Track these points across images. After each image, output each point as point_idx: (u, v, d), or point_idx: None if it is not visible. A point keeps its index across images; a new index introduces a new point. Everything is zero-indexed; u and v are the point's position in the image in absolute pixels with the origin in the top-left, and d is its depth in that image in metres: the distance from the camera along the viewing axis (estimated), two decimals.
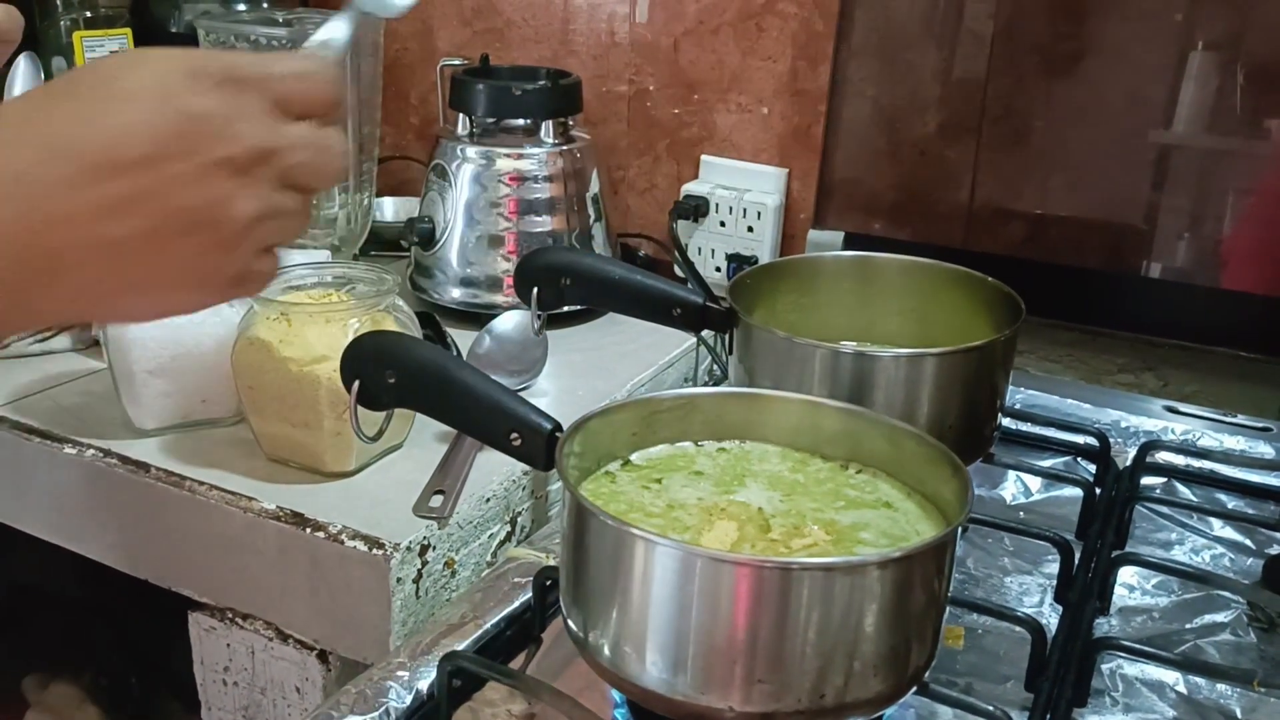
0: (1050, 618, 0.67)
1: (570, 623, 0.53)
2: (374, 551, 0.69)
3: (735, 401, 0.61)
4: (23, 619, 1.30)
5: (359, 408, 0.60)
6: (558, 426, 0.56)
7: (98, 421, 0.83)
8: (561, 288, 0.77)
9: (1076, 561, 0.67)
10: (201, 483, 0.76)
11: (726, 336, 0.74)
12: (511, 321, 0.95)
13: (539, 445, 0.56)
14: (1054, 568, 0.70)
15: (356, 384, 0.59)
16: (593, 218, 1.06)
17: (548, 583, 0.61)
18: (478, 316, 1.01)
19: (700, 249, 1.14)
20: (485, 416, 0.57)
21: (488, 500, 0.77)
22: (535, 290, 0.77)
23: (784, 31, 1.07)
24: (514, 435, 0.56)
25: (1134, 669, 0.62)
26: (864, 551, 0.52)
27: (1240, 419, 0.89)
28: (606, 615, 0.50)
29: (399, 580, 0.70)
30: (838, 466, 0.59)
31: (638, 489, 0.57)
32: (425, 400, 0.58)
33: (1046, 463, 0.84)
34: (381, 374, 0.59)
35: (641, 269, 0.77)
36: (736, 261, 1.11)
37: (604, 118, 1.19)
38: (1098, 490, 0.76)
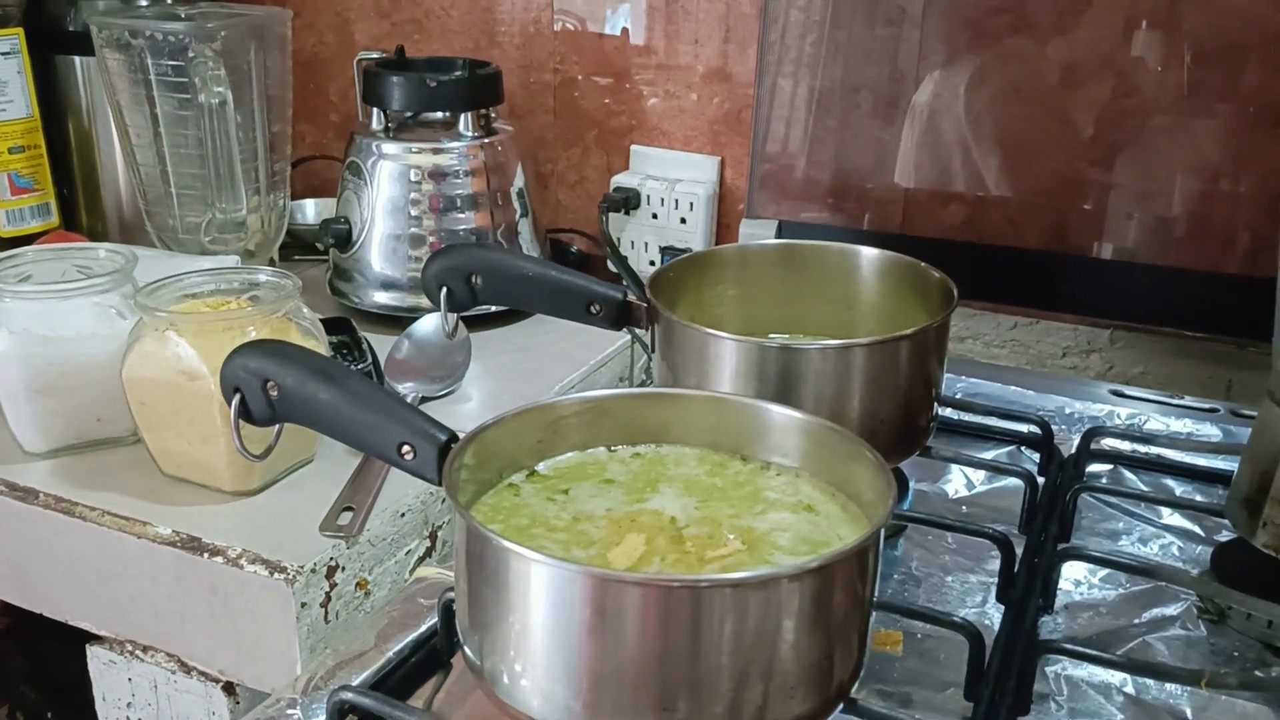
0: (993, 618, 0.63)
1: (467, 649, 0.49)
2: (275, 576, 0.65)
3: (648, 403, 0.57)
4: None
5: (242, 423, 0.56)
6: (453, 437, 0.52)
7: None
8: (473, 286, 0.72)
9: (1019, 558, 0.64)
10: (93, 508, 0.71)
11: (648, 332, 0.70)
12: (431, 324, 0.90)
13: (434, 458, 0.51)
14: (997, 565, 0.66)
15: (237, 398, 0.55)
16: (518, 213, 1.02)
17: (454, 605, 0.57)
18: (401, 320, 0.97)
19: (633, 242, 1.10)
20: (375, 428, 0.52)
21: (403, 515, 0.73)
22: (444, 290, 0.72)
23: (710, 14, 1.04)
24: (406, 448, 0.52)
25: (1080, 671, 0.59)
26: (780, 559, 0.48)
27: (1187, 400, 0.86)
28: (503, 642, 0.46)
29: (304, 605, 0.65)
30: (758, 468, 0.55)
31: (542, 501, 0.52)
32: (310, 413, 0.54)
33: (989, 454, 0.80)
34: (263, 386, 0.54)
35: (555, 264, 0.73)
36: (671, 254, 1.07)
37: (530, 109, 1.15)
38: (1040, 481, 0.73)
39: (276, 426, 0.58)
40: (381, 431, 0.52)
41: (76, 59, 1.07)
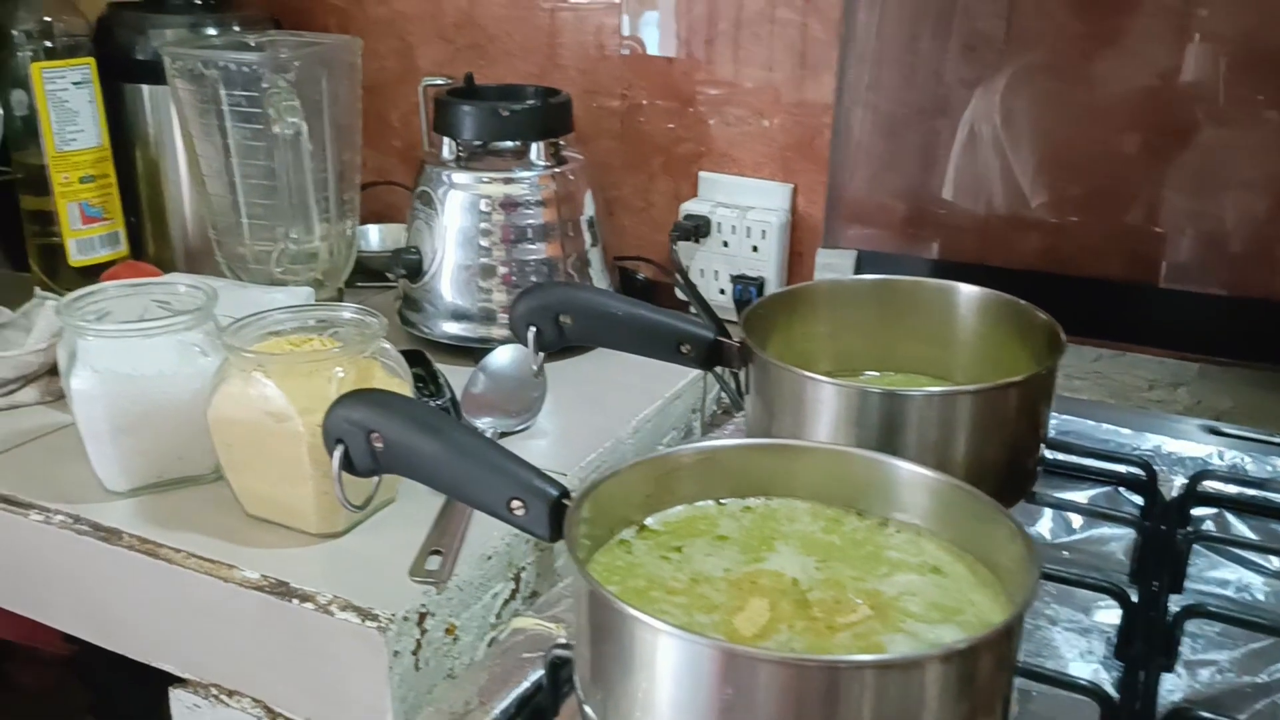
0: (1107, 674, 0.61)
1: (589, 710, 0.48)
2: (367, 623, 0.63)
3: (760, 454, 0.55)
4: (4, 678, 1.24)
5: (344, 474, 0.55)
6: (565, 492, 0.50)
7: (66, 482, 0.77)
8: (561, 326, 0.71)
9: (1136, 612, 0.62)
10: (178, 549, 0.70)
11: (741, 372, 0.69)
12: (506, 357, 0.89)
13: (545, 514, 0.50)
14: (1106, 615, 0.64)
15: (340, 449, 0.54)
16: (589, 242, 1.01)
17: (560, 662, 0.56)
18: (471, 351, 0.96)
19: (703, 270, 1.08)
20: (484, 483, 0.51)
21: (489, 558, 0.71)
22: (532, 330, 0.71)
23: (782, 40, 1.02)
24: (516, 504, 0.50)
25: None
26: (913, 628, 0.46)
27: None
28: (629, 708, 0.44)
29: (396, 653, 0.64)
30: (876, 524, 0.54)
31: (656, 560, 0.51)
32: (414, 466, 0.53)
33: (1086, 496, 0.78)
34: (366, 438, 0.53)
35: (646, 303, 0.71)
36: (742, 283, 1.06)
37: (594, 135, 1.13)
38: (1147, 527, 0.71)
39: (377, 478, 0.57)
40: (490, 486, 0.51)
41: (144, 88, 1.06)
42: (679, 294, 1.09)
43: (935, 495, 0.51)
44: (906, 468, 0.52)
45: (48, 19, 1.00)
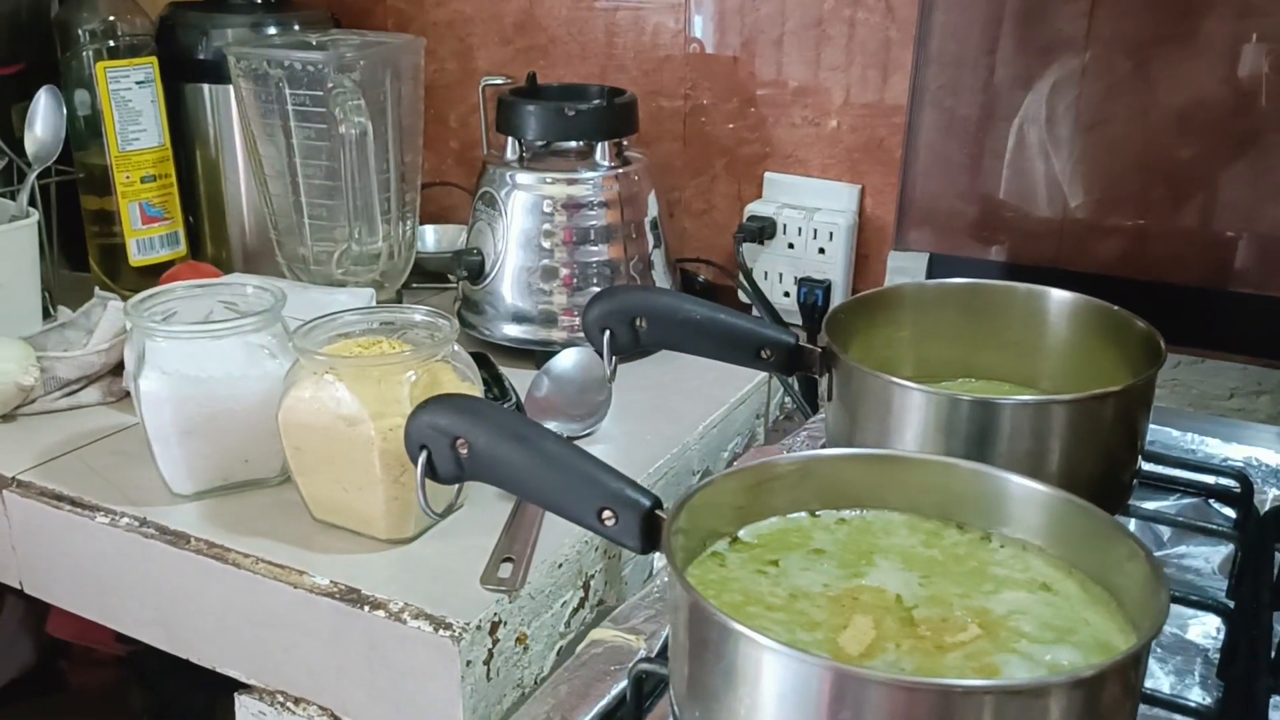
0: (1206, 694, 0.59)
1: None
2: (440, 633, 0.62)
3: (858, 464, 0.53)
4: (59, 677, 1.24)
5: (427, 481, 0.53)
6: (657, 503, 0.49)
7: (131, 485, 0.77)
8: (636, 330, 0.69)
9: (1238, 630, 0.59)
10: (246, 554, 0.69)
11: (823, 378, 0.67)
12: (570, 360, 0.88)
13: (637, 525, 0.49)
14: (1200, 631, 0.62)
15: (424, 455, 0.52)
16: (652, 244, 0.99)
17: (644, 676, 0.54)
18: (532, 354, 0.95)
19: (766, 273, 1.06)
20: (573, 492, 0.49)
21: (559, 566, 0.70)
22: (607, 334, 0.70)
23: (853, 39, 1.00)
24: (607, 514, 0.49)
25: None
26: (1025, 649, 0.44)
27: None
28: None
29: (469, 663, 0.63)
30: (978, 539, 0.52)
31: (751, 574, 0.49)
32: (501, 474, 0.51)
33: (1174, 507, 0.75)
34: (452, 444, 0.52)
35: (723, 307, 0.69)
36: (807, 286, 1.03)
37: (657, 136, 1.12)
38: (1242, 538, 0.68)
39: (459, 484, 0.56)
40: (580, 496, 0.50)
41: (205, 87, 1.06)
42: (741, 296, 1.07)
43: (1045, 509, 0.49)
44: (1016, 481, 0.50)
45: (111, 18, 0.99)
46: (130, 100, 1.00)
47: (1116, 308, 0.67)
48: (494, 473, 0.52)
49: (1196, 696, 0.58)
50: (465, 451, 0.51)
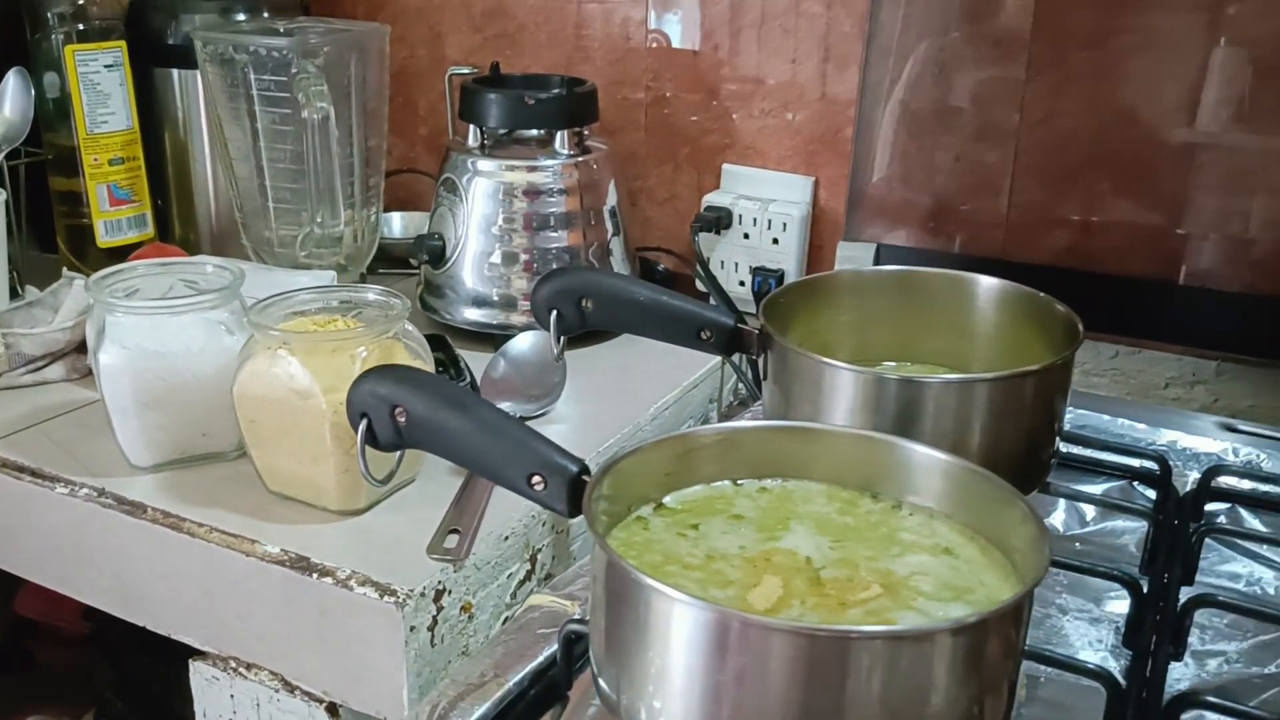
0: (1117, 663, 0.62)
1: (601, 682, 0.48)
2: (385, 599, 0.64)
3: (778, 436, 0.56)
4: (27, 656, 1.26)
5: (368, 448, 0.56)
6: (584, 468, 0.51)
7: (92, 457, 0.79)
8: (583, 310, 0.72)
9: (1145, 602, 0.62)
10: (201, 524, 0.71)
11: (760, 359, 0.70)
12: (527, 343, 0.90)
13: (564, 489, 0.51)
14: (1116, 605, 0.65)
15: (364, 423, 0.55)
16: (611, 232, 1.02)
17: (574, 636, 0.56)
18: (492, 337, 0.97)
19: (723, 262, 1.09)
20: (505, 458, 0.52)
21: (506, 538, 0.72)
22: (554, 313, 0.72)
23: (810, 33, 1.02)
24: (536, 479, 0.51)
25: None
26: (924, 605, 0.47)
27: None
28: (641, 679, 0.45)
29: (412, 629, 0.65)
30: (890, 507, 0.54)
31: (673, 536, 0.52)
32: (439, 442, 0.53)
33: (1100, 488, 0.78)
34: (391, 413, 0.54)
35: (667, 289, 0.72)
36: (762, 275, 1.06)
37: (621, 126, 1.14)
38: (1160, 520, 0.71)
39: (399, 452, 0.58)
40: (511, 461, 0.52)
41: (174, 72, 1.08)
42: (700, 285, 1.10)
43: (949, 478, 0.52)
44: (922, 451, 0.53)
45: (81, 2, 1.01)
46: (99, 83, 1.02)
47: (1040, 293, 0.70)
48: (431, 440, 0.54)
49: (1102, 661, 0.60)
50: (404, 419, 0.54)
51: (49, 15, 1.00)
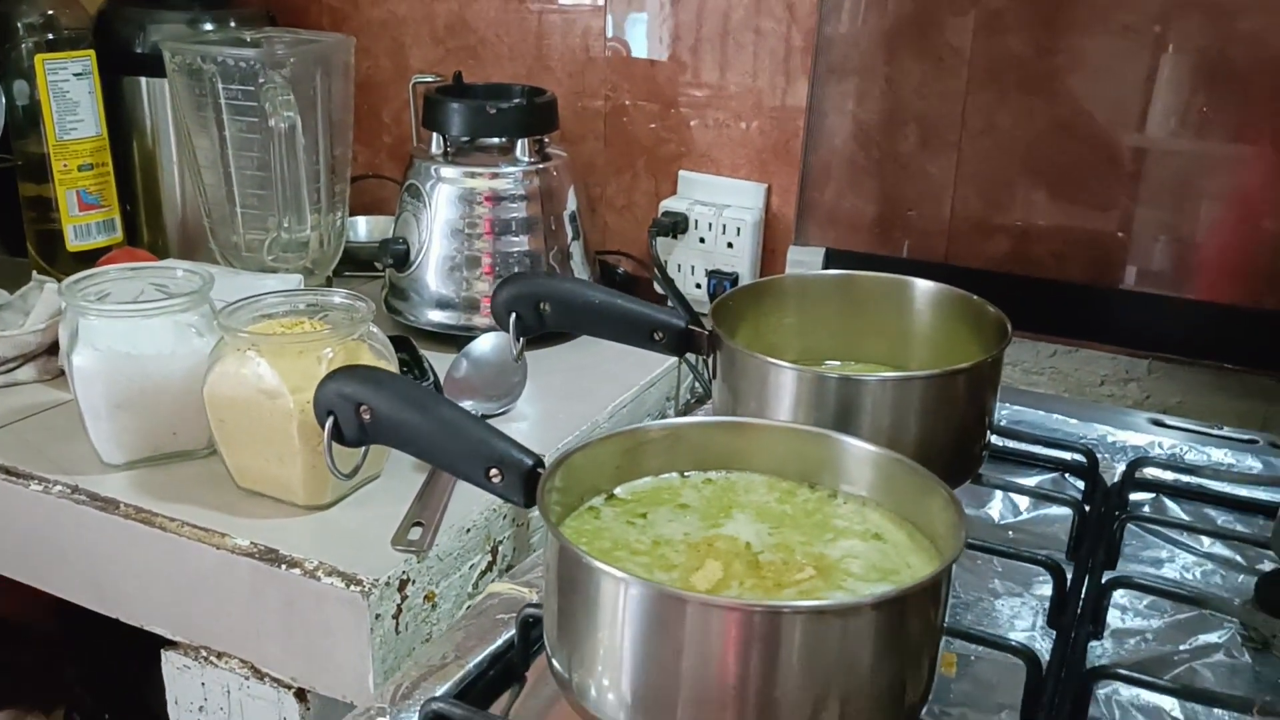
0: (1043, 642, 0.66)
1: (555, 663, 0.52)
2: (351, 588, 0.67)
3: (721, 431, 0.59)
4: None
5: (334, 444, 0.59)
6: (539, 462, 0.55)
7: (64, 456, 0.81)
8: (541, 313, 0.75)
9: (1068, 584, 0.66)
10: (172, 519, 0.74)
11: (710, 359, 0.73)
12: (489, 344, 0.93)
13: (521, 482, 0.54)
14: (1045, 589, 0.69)
15: (330, 420, 0.58)
16: (570, 236, 1.05)
17: (531, 620, 0.60)
18: (455, 339, 1.00)
19: (680, 266, 1.13)
20: (464, 453, 0.55)
21: (468, 531, 0.75)
22: (513, 316, 0.75)
23: (761, 47, 1.06)
24: (494, 472, 0.54)
25: (1130, 695, 0.61)
26: (853, 586, 0.51)
27: (1226, 431, 0.89)
28: (591, 658, 0.49)
29: (378, 617, 0.68)
30: (825, 496, 0.58)
31: (622, 525, 0.55)
32: (402, 437, 0.57)
33: (1034, 480, 0.83)
34: (356, 410, 0.57)
35: (622, 292, 0.75)
36: (717, 278, 1.10)
37: (581, 134, 1.18)
38: (1087, 509, 0.75)
39: (364, 448, 0.61)
40: (470, 455, 0.55)
41: (142, 80, 1.10)
42: (657, 288, 1.13)
43: (878, 468, 0.56)
44: (853, 443, 0.56)
45: (50, 12, 1.03)
46: (68, 91, 1.04)
47: (973, 296, 0.74)
48: (394, 435, 0.57)
49: (1028, 640, 0.64)
50: (368, 417, 0.57)
51: (18, 25, 1.02)
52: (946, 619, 0.67)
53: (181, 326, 0.79)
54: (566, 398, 0.94)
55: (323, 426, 0.58)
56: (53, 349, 0.91)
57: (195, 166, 1.03)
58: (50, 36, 1.03)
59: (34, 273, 1.02)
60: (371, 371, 0.58)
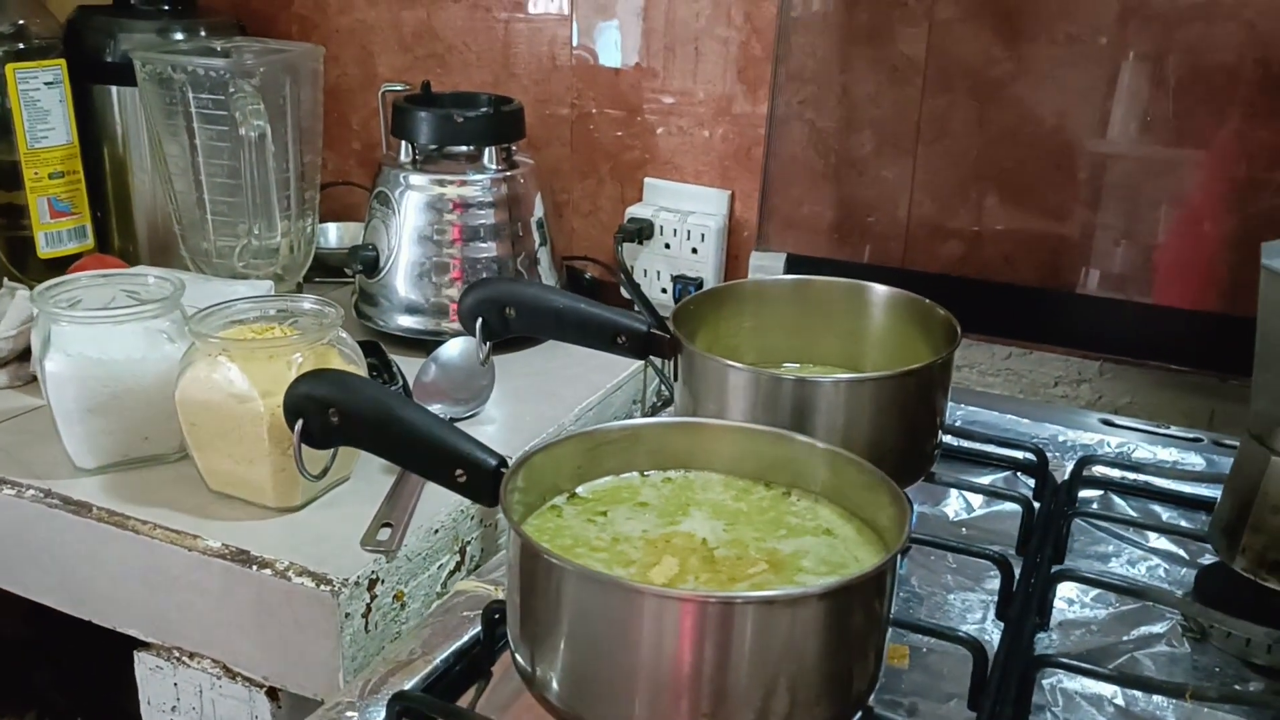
0: (993, 634, 0.68)
1: (518, 658, 0.54)
2: (321, 588, 0.69)
3: (679, 431, 0.61)
4: None
5: (303, 446, 0.60)
6: (503, 462, 0.56)
7: (37, 460, 0.82)
8: (506, 318, 0.77)
9: (1016, 578, 0.69)
10: (145, 521, 0.75)
11: (672, 362, 0.75)
12: (457, 349, 0.95)
13: (485, 481, 0.56)
14: (996, 584, 0.71)
15: (300, 423, 0.59)
16: (538, 242, 1.07)
17: (496, 616, 0.62)
18: (424, 343, 1.01)
19: (646, 271, 1.15)
20: (430, 454, 0.57)
21: (436, 531, 0.77)
22: (479, 321, 0.77)
23: (723, 56, 1.09)
24: (459, 472, 0.56)
25: (1073, 684, 0.64)
26: (804, 580, 0.53)
27: (1172, 430, 0.92)
28: (553, 651, 0.50)
29: (347, 615, 0.70)
30: (780, 494, 0.60)
31: (583, 523, 0.57)
32: (369, 439, 0.58)
33: (986, 479, 0.85)
34: (325, 413, 0.59)
35: (585, 297, 0.77)
36: (682, 283, 1.12)
37: (547, 141, 1.20)
38: (1036, 505, 0.78)
39: (332, 450, 0.63)
40: (436, 456, 0.57)
41: (113, 89, 1.11)
42: (624, 293, 1.15)
43: (829, 466, 0.58)
44: (804, 442, 0.59)
45: (21, 21, 1.04)
46: (39, 100, 1.05)
47: (925, 299, 0.77)
48: (362, 438, 0.59)
49: (977, 632, 0.67)
50: (336, 419, 0.59)
51: None
52: (900, 612, 0.70)
53: (153, 332, 0.80)
54: (534, 401, 0.96)
55: (292, 429, 0.60)
56: (25, 355, 0.92)
57: (166, 174, 1.04)
58: (21, 46, 1.04)
59: (5, 279, 1.03)
60: (340, 375, 0.60)
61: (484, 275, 1.03)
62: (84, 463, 0.81)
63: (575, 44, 1.16)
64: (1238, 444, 0.71)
